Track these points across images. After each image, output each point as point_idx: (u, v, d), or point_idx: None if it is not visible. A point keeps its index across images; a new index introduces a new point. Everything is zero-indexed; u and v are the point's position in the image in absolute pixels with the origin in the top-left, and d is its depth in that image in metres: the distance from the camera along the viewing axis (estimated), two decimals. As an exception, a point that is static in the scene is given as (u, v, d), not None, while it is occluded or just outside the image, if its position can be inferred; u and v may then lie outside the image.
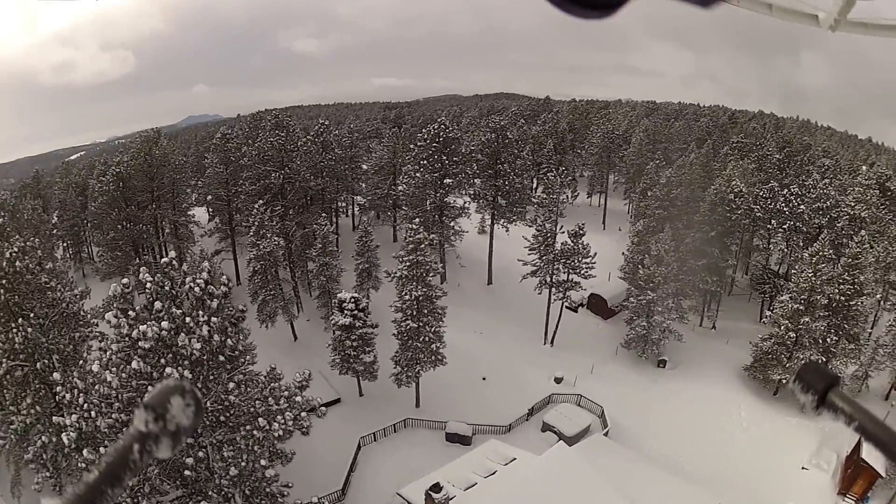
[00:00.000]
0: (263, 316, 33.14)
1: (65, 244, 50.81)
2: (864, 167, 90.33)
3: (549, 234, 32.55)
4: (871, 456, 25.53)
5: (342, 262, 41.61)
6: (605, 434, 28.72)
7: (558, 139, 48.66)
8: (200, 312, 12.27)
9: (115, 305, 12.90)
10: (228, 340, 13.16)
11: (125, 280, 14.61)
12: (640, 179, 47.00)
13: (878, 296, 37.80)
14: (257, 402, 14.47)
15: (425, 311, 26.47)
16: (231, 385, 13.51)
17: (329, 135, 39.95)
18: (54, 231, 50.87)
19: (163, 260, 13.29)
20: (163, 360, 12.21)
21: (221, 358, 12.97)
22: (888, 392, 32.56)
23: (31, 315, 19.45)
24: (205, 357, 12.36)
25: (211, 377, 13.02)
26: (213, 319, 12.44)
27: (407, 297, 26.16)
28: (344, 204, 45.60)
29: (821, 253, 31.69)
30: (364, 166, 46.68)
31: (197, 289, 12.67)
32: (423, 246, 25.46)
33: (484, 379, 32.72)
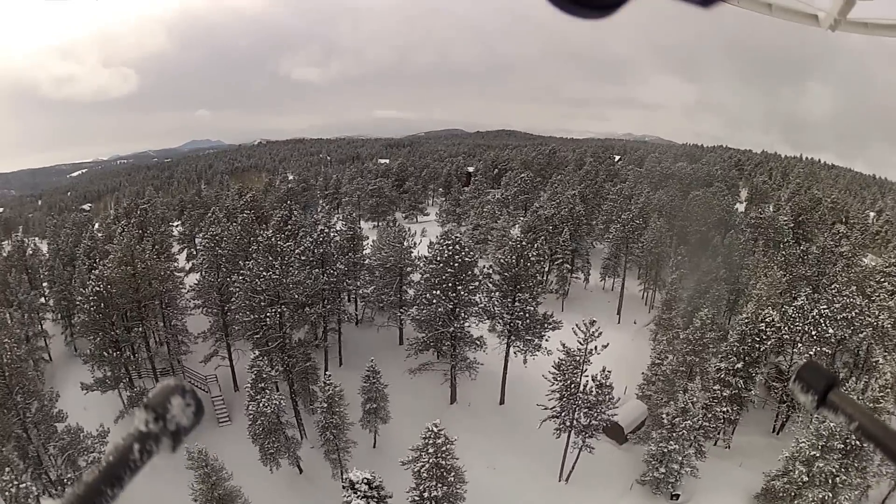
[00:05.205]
0: (266, 459, 31.17)
1: (54, 313, 47.87)
2: (871, 213, 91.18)
3: (572, 385, 30.61)
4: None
5: (347, 367, 39.49)
6: None
7: (574, 225, 46.08)
8: None
9: None
10: None
11: None
12: (659, 271, 45.25)
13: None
14: None
15: (445, 506, 24.64)
16: None
17: (329, 244, 36.71)
18: (43, 302, 48.04)
19: None
20: None
21: None
22: (884, 499, 32.55)
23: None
24: None
25: None
26: None
27: (426, 494, 24.27)
28: (346, 298, 42.89)
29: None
30: (366, 251, 43.89)
31: None
32: (444, 449, 23.39)
33: (499, 532, 31.47)
